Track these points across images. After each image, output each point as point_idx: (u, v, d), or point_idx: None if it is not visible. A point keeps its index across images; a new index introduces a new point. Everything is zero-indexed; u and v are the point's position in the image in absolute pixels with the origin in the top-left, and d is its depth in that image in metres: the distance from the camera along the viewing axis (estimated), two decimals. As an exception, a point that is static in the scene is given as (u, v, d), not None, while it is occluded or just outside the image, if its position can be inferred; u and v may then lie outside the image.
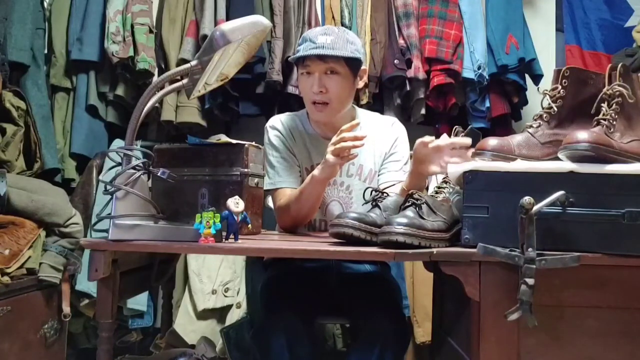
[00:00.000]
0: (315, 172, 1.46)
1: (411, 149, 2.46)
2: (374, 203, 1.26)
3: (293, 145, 1.65)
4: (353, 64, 1.56)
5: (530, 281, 0.97)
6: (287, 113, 1.73)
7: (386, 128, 1.69)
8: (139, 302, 2.26)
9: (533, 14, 2.72)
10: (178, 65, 2.31)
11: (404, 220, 1.08)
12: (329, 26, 1.77)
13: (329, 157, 1.40)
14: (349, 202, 1.65)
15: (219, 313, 2.30)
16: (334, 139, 1.41)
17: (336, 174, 1.52)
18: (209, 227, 1.13)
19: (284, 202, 1.56)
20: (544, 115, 1.17)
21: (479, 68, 2.40)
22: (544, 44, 2.69)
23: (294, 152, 1.65)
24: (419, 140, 1.42)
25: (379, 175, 1.67)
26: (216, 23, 2.31)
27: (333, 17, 2.42)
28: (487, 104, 2.46)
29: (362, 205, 1.32)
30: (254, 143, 1.43)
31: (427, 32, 2.42)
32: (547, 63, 2.61)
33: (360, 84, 1.67)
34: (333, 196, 1.65)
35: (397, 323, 1.43)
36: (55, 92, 2.40)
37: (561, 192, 1.02)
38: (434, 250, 1.07)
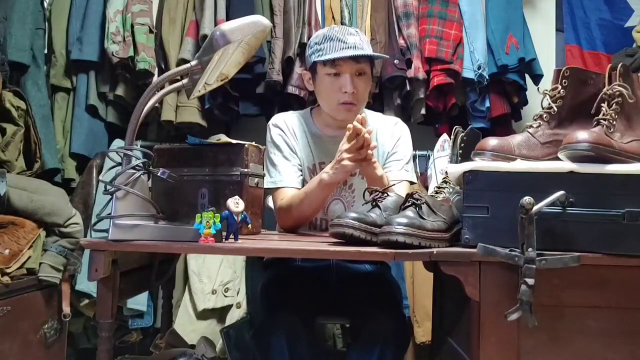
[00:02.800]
0: (325, 176, 1.44)
1: (414, 149, 2.48)
2: (374, 203, 1.26)
3: (295, 143, 1.65)
4: (372, 63, 1.60)
5: (530, 281, 0.96)
6: (291, 112, 1.73)
7: (389, 128, 1.70)
8: (139, 302, 2.26)
9: (533, 14, 2.72)
10: (178, 65, 2.31)
11: (404, 220, 1.08)
12: (347, 27, 1.73)
13: (348, 163, 1.38)
14: (351, 201, 1.65)
15: (219, 313, 2.30)
16: (345, 146, 1.40)
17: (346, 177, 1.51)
18: (209, 227, 1.13)
19: (285, 203, 1.56)
20: (544, 115, 1.17)
21: (479, 68, 2.40)
22: (544, 44, 2.69)
23: (296, 150, 1.65)
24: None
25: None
26: (216, 23, 2.31)
27: (333, 17, 2.42)
28: (487, 104, 2.46)
29: (362, 205, 1.33)
30: (254, 143, 1.43)
31: (427, 32, 2.41)
32: (547, 63, 2.61)
33: None
34: (336, 195, 1.65)
35: (397, 323, 1.43)
36: (55, 92, 2.40)
37: (561, 192, 1.02)
38: (434, 250, 1.07)
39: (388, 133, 1.68)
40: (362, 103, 1.60)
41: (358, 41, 1.54)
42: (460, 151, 1.31)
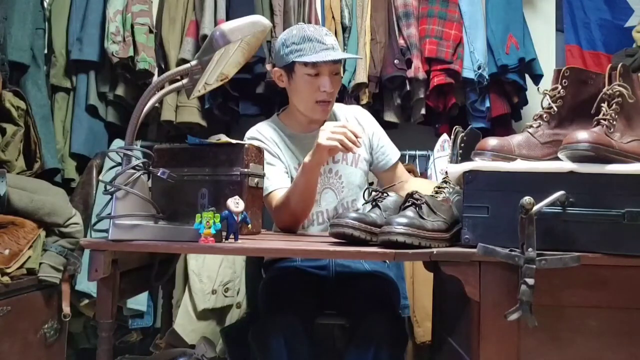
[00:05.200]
0: (306, 159, 1.47)
1: (412, 147, 2.48)
2: (374, 203, 1.26)
3: (276, 149, 1.67)
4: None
5: (530, 281, 0.97)
6: (260, 123, 1.74)
7: (357, 115, 1.77)
8: (139, 302, 2.26)
9: (533, 14, 2.72)
10: (178, 65, 2.31)
11: (404, 220, 1.08)
12: (319, 26, 1.73)
13: (322, 140, 1.40)
14: (340, 188, 1.68)
15: (219, 313, 2.30)
16: (329, 126, 1.42)
17: (326, 159, 1.52)
18: (209, 227, 1.13)
19: (279, 201, 1.56)
20: (544, 115, 1.17)
21: (479, 68, 2.40)
22: (544, 44, 2.69)
23: (279, 155, 1.66)
24: None
25: (380, 162, 1.73)
26: (216, 23, 2.31)
27: (333, 17, 2.42)
28: (487, 104, 2.46)
29: (363, 204, 1.33)
30: (254, 143, 1.43)
31: (427, 32, 2.41)
32: (547, 63, 2.61)
33: None
34: (325, 184, 1.67)
35: (393, 323, 1.43)
36: (55, 92, 2.40)
37: (561, 192, 1.02)
38: (434, 250, 1.07)
39: (358, 119, 1.76)
40: (334, 100, 1.66)
41: (333, 42, 1.59)
42: (460, 151, 1.31)
